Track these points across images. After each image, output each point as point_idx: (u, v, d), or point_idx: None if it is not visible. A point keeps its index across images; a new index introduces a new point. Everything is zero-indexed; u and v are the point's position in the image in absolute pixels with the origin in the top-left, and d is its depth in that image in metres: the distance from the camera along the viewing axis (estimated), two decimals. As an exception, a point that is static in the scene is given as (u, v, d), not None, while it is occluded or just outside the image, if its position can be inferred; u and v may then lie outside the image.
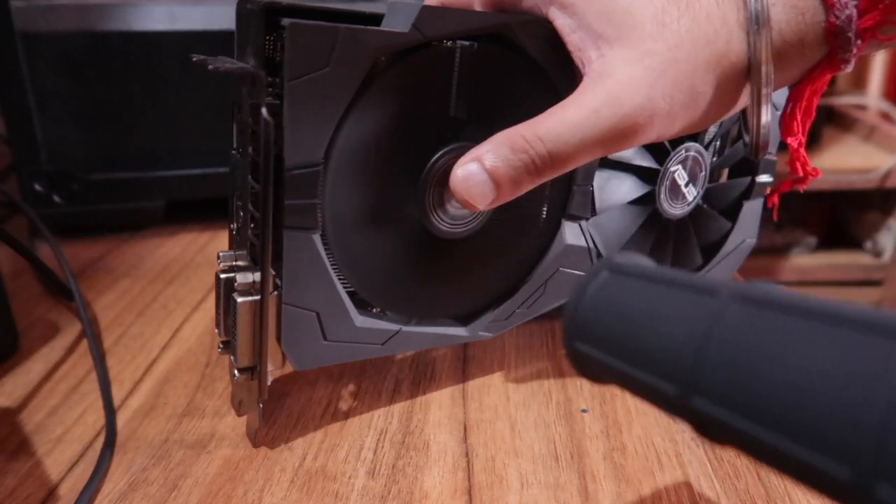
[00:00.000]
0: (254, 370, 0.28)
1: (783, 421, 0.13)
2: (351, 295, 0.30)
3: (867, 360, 0.12)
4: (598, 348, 0.18)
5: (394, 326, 0.31)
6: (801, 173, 0.31)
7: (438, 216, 0.30)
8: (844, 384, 0.12)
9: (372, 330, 0.30)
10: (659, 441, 0.30)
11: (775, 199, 0.36)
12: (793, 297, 0.14)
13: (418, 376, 0.35)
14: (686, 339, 0.16)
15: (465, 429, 0.31)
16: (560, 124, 0.25)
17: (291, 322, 0.28)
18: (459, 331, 0.33)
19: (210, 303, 0.42)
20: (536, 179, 0.26)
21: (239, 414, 0.30)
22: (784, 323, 0.14)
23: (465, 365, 0.36)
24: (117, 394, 0.33)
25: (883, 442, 0.11)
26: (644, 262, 0.19)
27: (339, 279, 0.29)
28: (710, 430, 0.15)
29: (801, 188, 0.32)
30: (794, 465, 0.13)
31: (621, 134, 0.26)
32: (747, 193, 0.39)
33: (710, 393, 0.15)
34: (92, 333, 0.37)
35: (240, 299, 0.27)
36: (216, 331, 0.29)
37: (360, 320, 0.30)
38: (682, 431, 0.31)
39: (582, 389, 0.34)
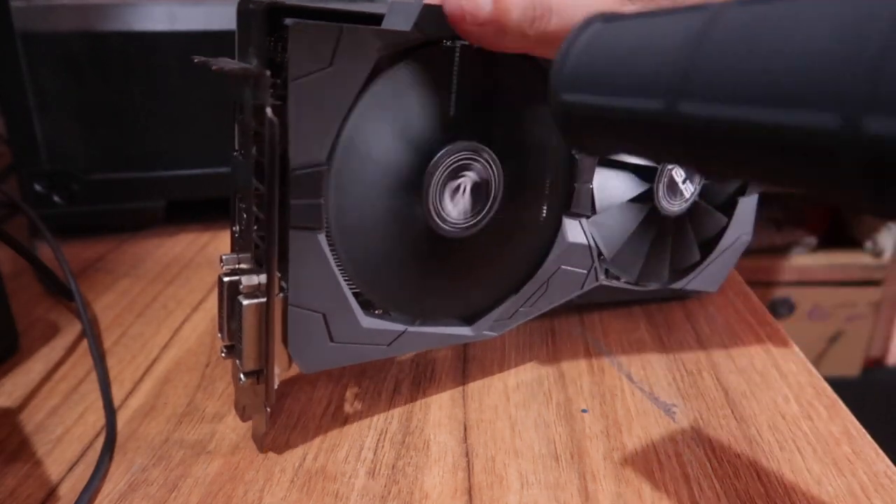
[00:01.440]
0: (259, 373, 0.28)
1: (773, 89, 0.12)
2: (355, 296, 0.30)
3: (861, 8, 0.12)
4: (585, 91, 0.17)
5: (399, 327, 0.31)
6: None
7: (442, 215, 0.30)
8: (840, 37, 0.12)
9: (378, 331, 0.30)
10: (659, 441, 0.30)
11: None
12: None
13: (418, 376, 0.35)
14: (676, 47, 0.15)
15: (465, 429, 0.31)
16: None
17: (298, 324, 0.28)
18: (464, 330, 0.33)
19: (210, 303, 0.42)
20: (525, 25, 0.25)
21: (244, 419, 0.30)
22: (778, 7, 0.13)
23: (465, 365, 0.36)
24: (117, 394, 0.33)
25: (876, 69, 0.11)
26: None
27: (344, 279, 0.29)
28: (697, 139, 0.15)
29: None
30: (785, 137, 0.12)
31: None
32: (742, 190, 0.39)
33: (699, 89, 0.14)
34: (92, 333, 0.37)
35: (245, 302, 0.27)
36: (219, 335, 0.29)
37: (366, 321, 0.30)
38: (682, 431, 0.31)
39: (582, 389, 0.34)
